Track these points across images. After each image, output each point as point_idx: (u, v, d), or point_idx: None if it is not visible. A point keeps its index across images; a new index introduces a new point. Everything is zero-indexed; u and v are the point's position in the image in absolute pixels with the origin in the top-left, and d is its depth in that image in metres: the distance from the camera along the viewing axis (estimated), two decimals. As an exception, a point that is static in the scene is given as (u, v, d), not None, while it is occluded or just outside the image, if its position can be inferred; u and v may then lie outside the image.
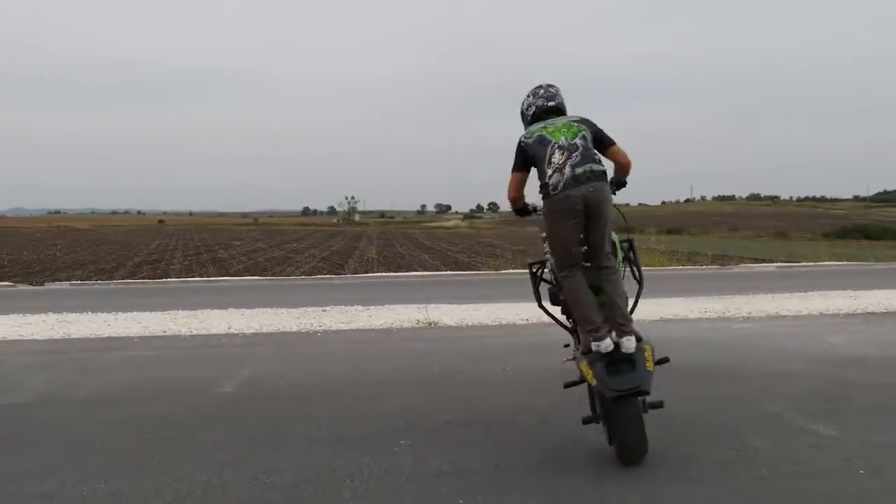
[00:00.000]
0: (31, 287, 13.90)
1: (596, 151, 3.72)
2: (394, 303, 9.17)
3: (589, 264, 3.73)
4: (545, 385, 4.72)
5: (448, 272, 18.13)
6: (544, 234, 3.94)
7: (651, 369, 3.40)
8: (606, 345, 3.45)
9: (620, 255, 3.96)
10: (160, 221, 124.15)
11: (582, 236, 3.69)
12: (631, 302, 3.83)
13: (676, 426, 4.08)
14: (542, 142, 3.70)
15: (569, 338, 4.17)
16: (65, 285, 14.48)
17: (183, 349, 6.76)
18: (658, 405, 3.61)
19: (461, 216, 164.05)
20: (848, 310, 8.34)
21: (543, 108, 3.93)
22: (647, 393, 3.39)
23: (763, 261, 19.54)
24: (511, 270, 16.14)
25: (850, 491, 3.19)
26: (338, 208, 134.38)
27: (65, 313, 8.60)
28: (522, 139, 3.81)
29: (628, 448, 3.43)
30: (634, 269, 4.04)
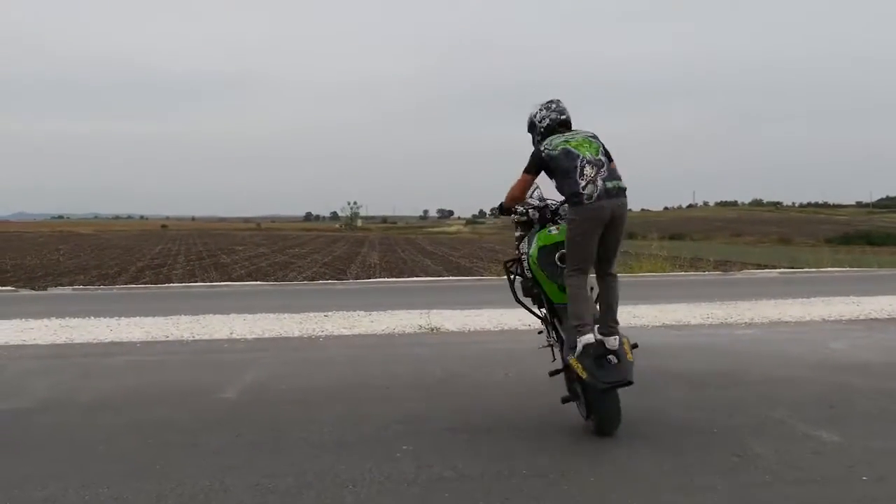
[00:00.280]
0: (34, 292, 13.94)
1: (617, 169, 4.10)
2: (396, 308, 9.17)
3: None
4: (548, 390, 4.71)
5: (450, 277, 18.15)
6: (519, 234, 4.54)
7: (631, 360, 3.86)
8: (587, 339, 3.85)
9: None
10: (163, 226, 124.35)
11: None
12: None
13: (678, 432, 4.08)
14: (569, 155, 4.00)
15: (541, 325, 4.68)
16: (67, 290, 14.51)
17: (185, 354, 6.76)
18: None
19: (463, 221, 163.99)
20: (850, 316, 8.32)
21: (557, 121, 4.26)
22: (632, 383, 3.79)
23: (765, 267, 19.52)
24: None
25: (852, 497, 3.18)
26: (340, 213, 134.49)
27: (67, 318, 8.60)
28: (544, 149, 4.09)
29: (608, 423, 3.93)
30: None
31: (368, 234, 77.04)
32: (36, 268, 26.27)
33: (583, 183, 3.90)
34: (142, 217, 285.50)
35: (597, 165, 3.96)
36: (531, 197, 4.44)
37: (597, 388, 3.79)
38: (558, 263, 4.13)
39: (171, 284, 16.71)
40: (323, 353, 6.75)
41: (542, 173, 4.18)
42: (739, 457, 3.67)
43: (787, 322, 8.03)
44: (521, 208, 4.44)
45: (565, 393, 4.25)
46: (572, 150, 4.00)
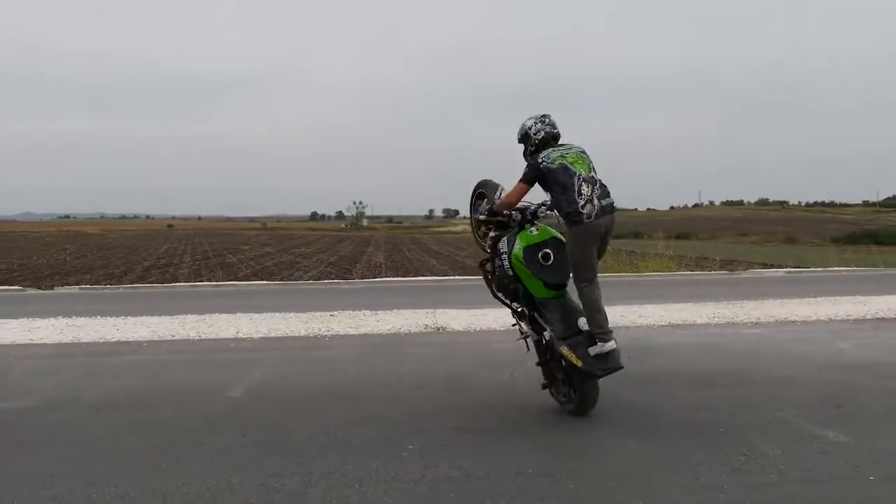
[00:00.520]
0: (41, 291, 13.99)
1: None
2: (402, 308, 9.17)
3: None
4: (553, 390, 4.71)
5: (456, 277, 18.12)
6: (494, 234, 4.85)
7: (617, 346, 4.22)
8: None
9: None
10: (169, 226, 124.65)
11: None
12: None
13: (685, 431, 4.07)
14: (567, 171, 4.32)
15: (515, 320, 4.98)
16: (74, 290, 14.55)
17: (191, 353, 6.78)
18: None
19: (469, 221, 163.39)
20: (857, 315, 8.29)
21: (551, 134, 4.57)
22: (623, 367, 4.23)
23: (772, 266, 19.43)
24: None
25: (859, 497, 3.17)
26: (346, 213, 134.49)
27: (74, 317, 8.64)
28: (542, 161, 4.38)
29: (589, 404, 4.34)
30: None
31: (374, 234, 77.09)
32: (42, 267, 26.38)
33: (581, 202, 4.26)
34: (148, 217, 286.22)
35: (591, 183, 4.32)
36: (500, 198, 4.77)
37: (594, 374, 4.16)
38: (541, 262, 4.43)
39: (178, 284, 16.75)
40: (329, 352, 6.76)
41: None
42: (746, 456, 3.66)
43: (793, 321, 8.00)
44: (507, 211, 4.72)
45: (537, 366, 4.65)
46: (569, 166, 4.33)
